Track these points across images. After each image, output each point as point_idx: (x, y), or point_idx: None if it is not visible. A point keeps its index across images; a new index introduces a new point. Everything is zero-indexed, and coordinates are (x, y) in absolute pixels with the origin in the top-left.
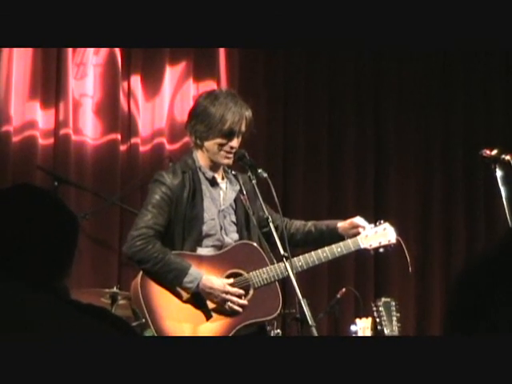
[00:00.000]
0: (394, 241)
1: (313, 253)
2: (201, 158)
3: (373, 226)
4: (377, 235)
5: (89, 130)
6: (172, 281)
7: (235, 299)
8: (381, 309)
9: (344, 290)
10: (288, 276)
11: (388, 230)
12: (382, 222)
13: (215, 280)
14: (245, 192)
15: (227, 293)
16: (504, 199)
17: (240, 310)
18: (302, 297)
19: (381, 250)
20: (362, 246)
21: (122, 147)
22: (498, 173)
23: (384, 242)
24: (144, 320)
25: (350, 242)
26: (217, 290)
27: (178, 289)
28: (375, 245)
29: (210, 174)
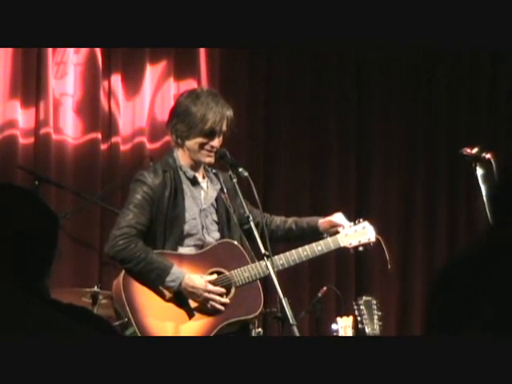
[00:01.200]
0: (373, 239)
1: (293, 251)
2: (182, 158)
3: (352, 224)
4: (356, 234)
5: (69, 129)
6: (154, 280)
7: (217, 298)
8: (362, 307)
9: (325, 288)
10: (269, 274)
11: (367, 229)
12: (361, 220)
13: (197, 279)
14: (225, 190)
15: (209, 292)
16: (484, 197)
17: (222, 308)
18: (283, 295)
19: (360, 248)
20: (342, 245)
21: (103, 146)
22: (479, 171)
23: (363, 241)
24: (126, 319)
25: (330, 240)
26: (199, 288)
27: (161, 288)
28: (355, 243)
29: (190, 173)
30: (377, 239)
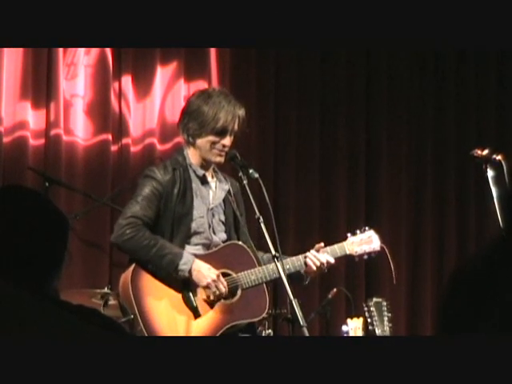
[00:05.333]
0: (378, 248)
1: (300, 257)
2: (192, 156)
3: (358, 232)
4: (362, 242)
5: (80, 131)
6: (168, 265)
7: (221, 287)
8: (372, 309)
9: (335, 290)
10: (278, 277)
11: (373, 238)
12: (366, 228)
13: (206, 265)
14: (232, 193)
15: (217, 277)
16: (495, 199)
17: (223, 291)
18: (294, 297)
19: (365, 256)
20: (348, 252)
21: (113, 147)
22: (489, 173)
23: (368, 250)
24: (133, 316)
25: (336, 247)
26: (206, 269)
27: (168, 285)
28: (360, 252)
29: (200, 171)
30: (381, 248)
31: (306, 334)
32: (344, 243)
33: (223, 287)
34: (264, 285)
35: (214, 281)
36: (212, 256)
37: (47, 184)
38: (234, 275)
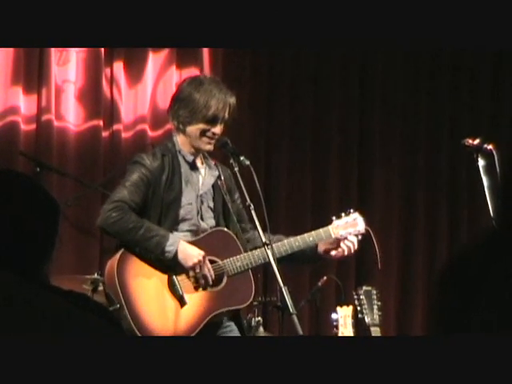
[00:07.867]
0: (363, 231)
1: (285, 241)
2: (181, 143)
3: (343, 215)
4: (347, 225)
5: (71, 116)
6: (154, 247)
7: (206, 269)
8: (362, 297)
9: (325, 278)
10: (267, 263)
11: (358, 220)
12: (351, 211)
13: (191, 245)
14: (222, 178)
15: (203, 257)
16: (486, 189)
17: (209, 276)
18: (284, 284)
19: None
20: (334, 236)
21: (105, 133)
22: (481, 162)
23: (354, 232)
24: (119, 305)
25: (321, 231)
26: (193, 250)
27: (154, 273)
28: (345, 235)
29: (190, 157)
30: (366, 231)
31: (296, 321)
32: (329, 227)
33: (208, 270)
34: (250, 271)
35: (199, 261)
36: (198, 243)
37: (38, 169)
38: (220, 262)
